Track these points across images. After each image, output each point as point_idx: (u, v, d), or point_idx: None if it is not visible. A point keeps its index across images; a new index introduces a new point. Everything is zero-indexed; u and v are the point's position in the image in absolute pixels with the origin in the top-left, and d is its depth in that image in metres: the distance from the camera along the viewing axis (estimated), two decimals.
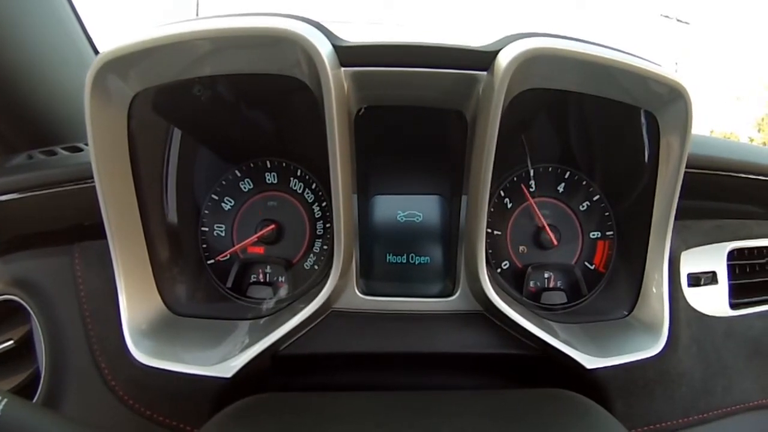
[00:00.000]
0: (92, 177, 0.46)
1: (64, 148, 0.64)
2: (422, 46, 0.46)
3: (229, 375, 0.46)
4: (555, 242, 0.60)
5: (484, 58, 0.46)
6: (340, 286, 0.51)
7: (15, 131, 0.69)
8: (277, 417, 0.42)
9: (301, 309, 0.49)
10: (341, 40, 0.46)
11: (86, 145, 0.65)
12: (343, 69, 0.46)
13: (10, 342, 0.56)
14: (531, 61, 0.43)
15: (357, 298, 0.54)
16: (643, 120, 0.53)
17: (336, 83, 0.43)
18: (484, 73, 0.47)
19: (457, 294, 0.54)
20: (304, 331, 0.52)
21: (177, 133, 0.55)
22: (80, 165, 0.57)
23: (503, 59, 0.43)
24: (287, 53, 0.44)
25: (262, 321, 0.53)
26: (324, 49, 0.42)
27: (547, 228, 0.60)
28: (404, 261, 0.57)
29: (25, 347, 0.57)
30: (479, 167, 0.46)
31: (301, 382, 0.55)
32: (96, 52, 0.75)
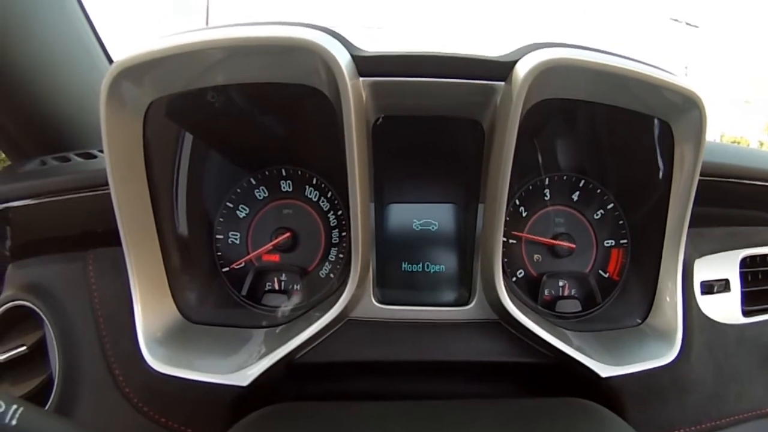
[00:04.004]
0: (107, 184, 0.46)
1: (77, 155, 0.64)
2: (441, 56, 0.47)
3: (245, 383, 0.46)
4: (573, 246, 0.60)
5: (502, 69, 0.46)
6: (357, 295, 0.51)
7: (28, 137, 0.70)
8: (296, 427, 0.42)
9: (318, 317, 0.49)
10: (359, 49, 0.46)
11: (100, 151, 0.65)
12: (361, 79, 0.46)
13: (23, 348, 0.56)
14: (549, 72, 0.43)
15: (373, 307, 0.54)
16: (656, 129, 0.53)
17: (354, 93, 0.43)
18: (502, 83, 0.47)
19: (473, 303, 0.54)
20: (320, 340, 0.52)
21: (192, 141, 0.55)
22: (95, 172, 0.57)
23: (521, 69, 0.43)
24: (305, 62, 0.44)
25: (277, 329, 0.53)
26: (343, 59, 0.42)
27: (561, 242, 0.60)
28: (420, 269, 0.57)
29: (38, 353, 0.57)
30: (497, 176, 0.47)
31: (316, 390, 0.55)
32: (110, 60, 0.75)
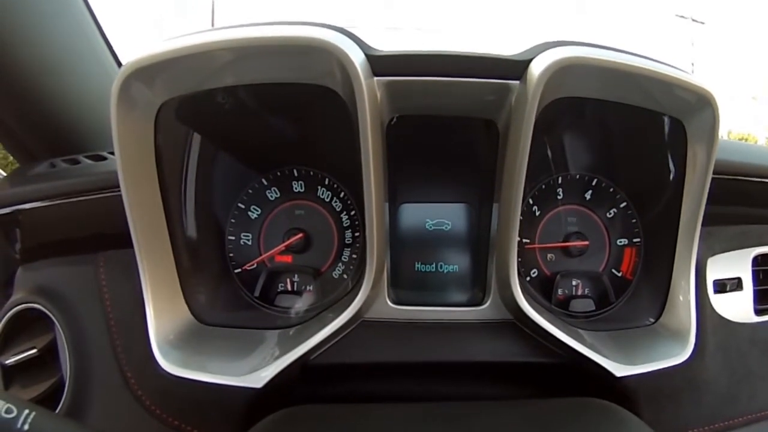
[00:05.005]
0: (118, 186, 0.45)
1: (87, 157, 0.64)
2: (455, 55, 0.46)
3: (259, 385, 0.46)
4: (586, 243, 0.60)
5: (517, 67, 0.46)
6: (371, 296, 0.51)
7: (37, 140, 0.69)
8: (314, 430, 0.41)
9: (332, 319, 0.49)
10: (373, 49, 0.46)
11: (110, 153, 0.65)
12: (376, 78, 0.46)
13: (33, 350, 0.56)
14: (564, 70, 0.43)
15: (388, 308, 0.54)
16: (669, 127, 0.53)
17: (369, 93, 0.43)
18: (517, 82, 0.46)
19: (487, 303, 0.54)
20: (334, 341, 0.52)
21: (204, 142, 0.55)
22: (105, 174, 0.57)
23: (536, 68, 0.43)
24: (319, 63, 0.43)
25: (291, 331, 0.53)
26: (357, 58, 0.42)
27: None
28: (433, 269, 0.57)
29: (48, 356, 0.56)
30: (512, 176, 0.46)
31: (330, 392, 0.54)
32: (117, 61, 0.75)
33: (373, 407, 0.45)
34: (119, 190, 0.46)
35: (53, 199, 0.57)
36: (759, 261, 0.64)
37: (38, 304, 0.56)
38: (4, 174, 0.76)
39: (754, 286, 0.63)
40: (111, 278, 0.56)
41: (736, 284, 0.62)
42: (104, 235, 0.57)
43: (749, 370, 0.60)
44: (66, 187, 0.58)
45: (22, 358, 0.56)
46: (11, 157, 0.76)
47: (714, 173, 0.51)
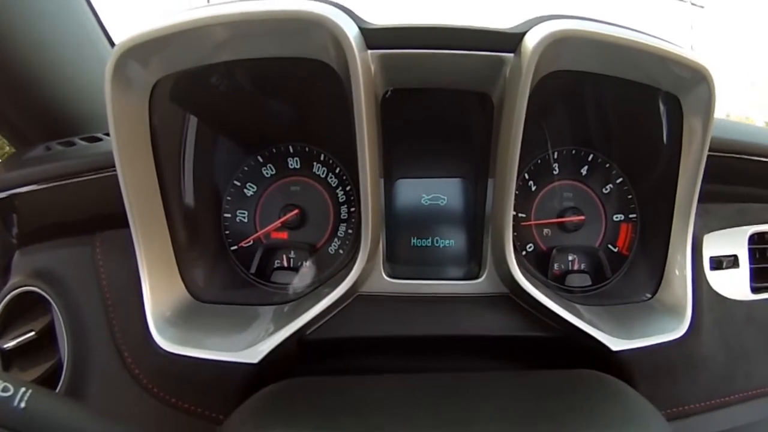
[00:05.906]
0: (113, 166, 0.45)
1: (82, 139, 0.64)
2: (449, 27, 0.46)
3: (255, 360, 0.46)
4: (582, 218, 0.60)
5: (511, 40, 0.45)
6: (367, 270, 0.51)
7: (31, 124, 0.69)
8: (310, 401, 0.41)
9: (327, 294, 0.48)
10: (367, 22, 0.46)
11: (105, 134, 0.64)
12: (369, 51, 0.46)
13: (32, 333, 0.56)
14: (558, 43, 0.43)
15: (383, 282, 0.54)
16: (665, 103, 0.53)
17: (363, 66, 0.43)
18: (511, 55, 0.46)
19: (483, 277, 0.54)
20: (330, 316, 0.52)
21: (199, 120, 0.55)
22: (101, 154, 0.57)
23: (530, 41, 0.43)
24: (313, 36, 0.43)
25: (287, 306, 0.53)
26: (351, 31, 0.42)
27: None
28: (429, 244, 0.57)
29: (46, 338, 0.56)
30: (506, 150, 0.46)
31: (327, 367, 0.54)
32: (111, 43, 0.75)
33: (370, 378, 0.45)
34: (115, 170, 0.45)
35: (49, 182, 0.57)
36: (755, 239, 0.64)
37: (36, 287, 0.57)
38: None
39: (750, 264, 0.63)
40: (107, 259, 0.56)
41: (733, 262, 0.62)
42: (100, 216, 0.57)
43: (745, 347, 0.60)
44: (61, 168, 0.57)
45: (21, 341, 0.56)
46: (7, 147, 0.76)
47: (712, 151, 0.50)
